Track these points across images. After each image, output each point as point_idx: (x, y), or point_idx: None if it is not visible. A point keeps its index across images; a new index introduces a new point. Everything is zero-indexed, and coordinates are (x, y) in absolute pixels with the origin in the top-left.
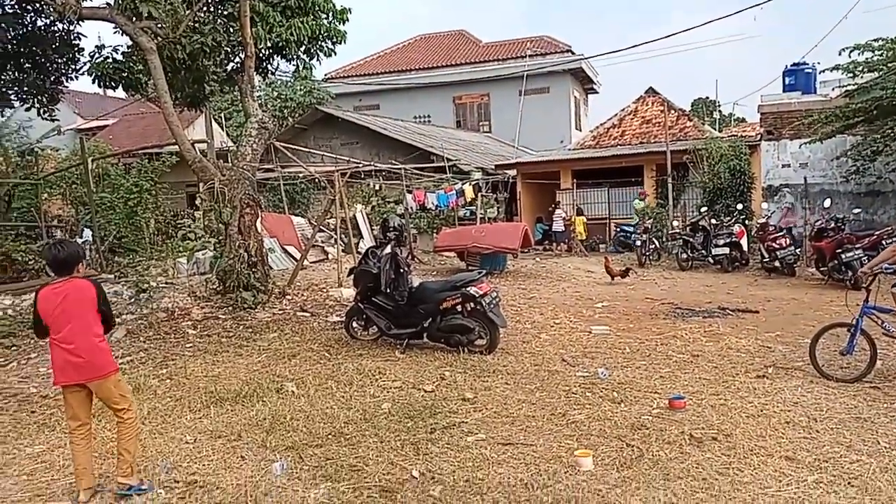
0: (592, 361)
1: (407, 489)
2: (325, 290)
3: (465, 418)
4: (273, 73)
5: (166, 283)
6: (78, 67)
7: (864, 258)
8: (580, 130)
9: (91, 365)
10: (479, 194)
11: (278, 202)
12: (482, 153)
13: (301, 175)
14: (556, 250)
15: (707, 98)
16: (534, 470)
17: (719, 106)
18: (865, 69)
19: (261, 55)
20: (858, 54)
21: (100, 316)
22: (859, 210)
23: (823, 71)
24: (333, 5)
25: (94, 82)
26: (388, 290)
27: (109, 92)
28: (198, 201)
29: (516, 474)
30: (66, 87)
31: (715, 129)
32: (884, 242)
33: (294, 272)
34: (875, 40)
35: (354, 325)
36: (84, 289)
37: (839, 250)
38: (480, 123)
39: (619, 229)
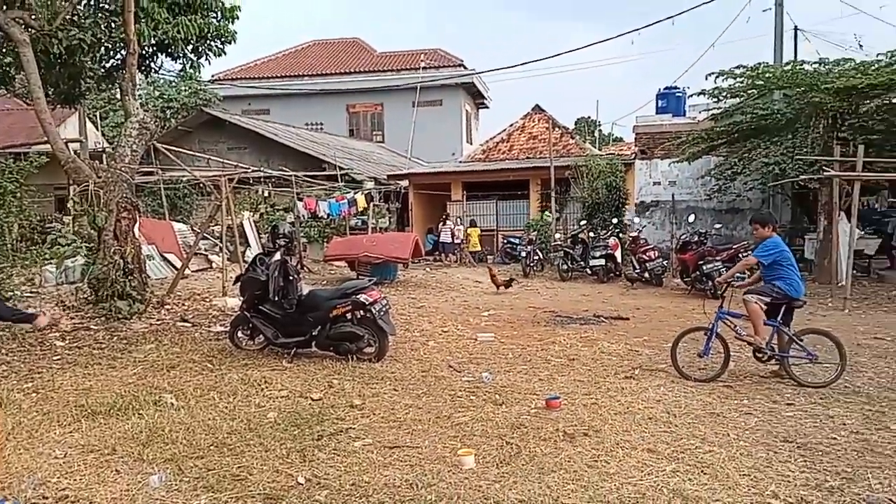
0: (477, 367)
1: (292, 496)
2: (208, 300)
3: (352, 424)
4: (157, 72)
5: (31, 292)
6: None
7: (723, 269)
8: (471, 143)
9: None
10: (371, 204)
11: (158, 207)
12: (375, 163)
13: (184, 179)
14: (445, 261)
15: (589, 117)
16: (418, 470)
17: (600, 125)
18: (728, 95)
19: (144, 52)
20: (723, 80)
21: None
22: (720, 225)
23: (692, 95)
24: (223, 3)
25: None
26: (277, 298)
27: None
28: (69, 204)
29: (402, 475)
30: None
31: (595, 147)
32: (740, 255)
33: (174, 281)
34: (736, 67)
35: (240, 334)
36: None
37: (701, 262)
38: (374, 133)
39: (506, 241)
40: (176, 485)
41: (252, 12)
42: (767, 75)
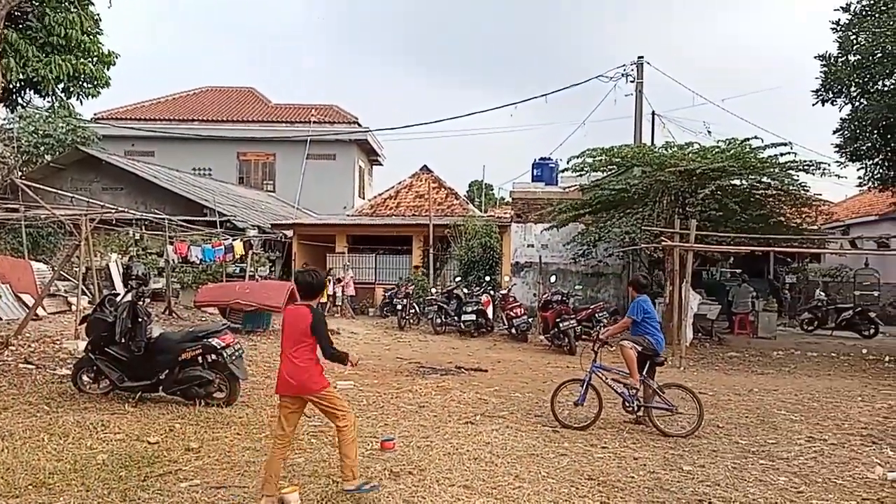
0: None
1: None
2: (58, 342)
3: (183, 466)
4: (24, 107)
5: None
6: None
7: (578, 327)
8: (363, 198)
9: (300, 384)
10: (251, 252)
11: (19, 245)
12: (262, 211)
13: (44, 217)
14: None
15: (482, 181)
16: None
17: (490, 189)
18: (591, 169)
19: (11, 87)
20: (582, 160)
21: (315, 340)
22: (580, 286)
23: (564, 171)
24: (100, 48)
25: None
26: (124, 340)
27: None
28: None
29: None
30: None
31: (482, 209)
32: (596, 314)
33: (23, 322)
34: (593, 150)
35: (84, 377)
36: (304, 316)
37: (558, 319)
38: (264, 182)
39: (386, 294)
40: None
41: (156, 58)
42: (622, 155)
